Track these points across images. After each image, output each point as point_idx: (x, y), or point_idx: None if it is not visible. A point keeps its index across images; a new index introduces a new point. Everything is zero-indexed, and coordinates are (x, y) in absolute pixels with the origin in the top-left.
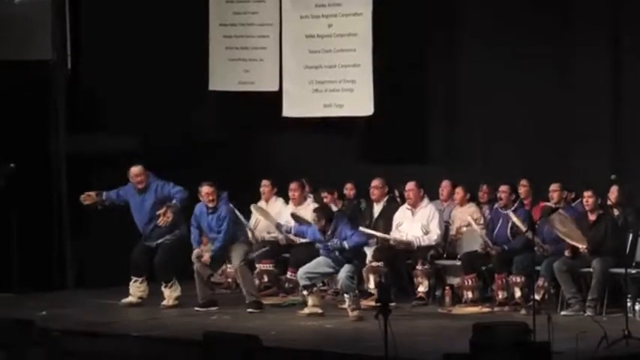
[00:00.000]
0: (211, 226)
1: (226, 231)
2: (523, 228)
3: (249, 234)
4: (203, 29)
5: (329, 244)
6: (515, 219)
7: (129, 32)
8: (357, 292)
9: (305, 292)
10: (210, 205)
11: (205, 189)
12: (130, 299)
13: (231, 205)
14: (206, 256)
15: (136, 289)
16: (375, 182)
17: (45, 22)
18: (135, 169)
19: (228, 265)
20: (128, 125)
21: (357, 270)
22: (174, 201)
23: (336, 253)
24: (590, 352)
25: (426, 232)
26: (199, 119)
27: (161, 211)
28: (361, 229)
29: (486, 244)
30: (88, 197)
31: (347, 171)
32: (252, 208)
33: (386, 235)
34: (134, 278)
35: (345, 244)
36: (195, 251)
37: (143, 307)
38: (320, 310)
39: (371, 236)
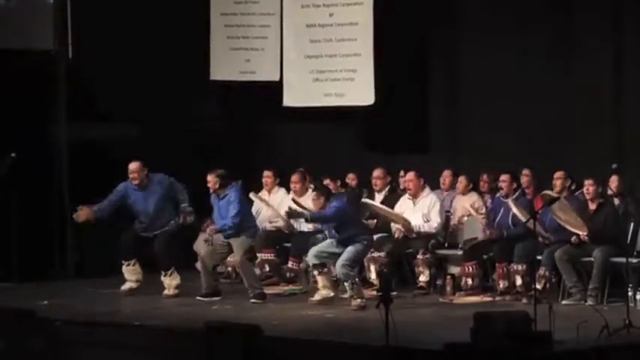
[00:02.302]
0: (221, 213)
1: (235, 214)
2: (523, 218)
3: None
4: (204, 18)
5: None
6: (514, 209)
7: (130, 22)
8: (357, 279)
9: (315, 272)
10: (218, 192)
11: (208, 177)
12: (128, 285)
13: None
14: (212, 230)
15: (130, 272)
16: (377, 172)
17: (46, 11)
18: (131, 166)
19: (230, 255)
20: (129, 114)
21: (360, 252)
22: (183, 205)
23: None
24: (591, 342)
25: (427, 221)
26: (200, 109)
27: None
28: (364, 200)
29: (486, 227)
30: (82, 213)
31: (348, 161)
32: (252, 196)
33: (386, 208)
34: (124, 262)
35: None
36: (201, 236)
37: (144, 297)
38: (331, 293)
39: (372, 209)
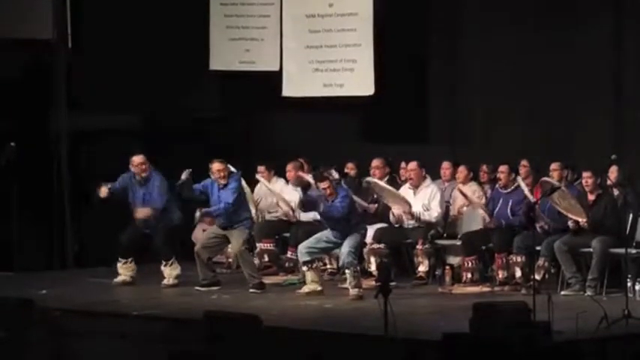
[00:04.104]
0: (221, 199)
1: (233, 201)
2: (531, 197)
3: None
4: (204, 8)
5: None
6: (523, 186)
7: (130, 11)
8: (358, 268)
9: (304, 268)
10: (222, 181)
11: (216, 165)
12: (122, 278)
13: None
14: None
15: (125, 269)
16: (376, 162)
17: (46, 1)
18: (138, 158)
19: (228, 245)
20: (128, 104)
21: (360, 241)
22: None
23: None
24: (590, 332)
25: (427, 210)
26: (200, 98)
27: (144, 212)
28: (368, 179)
29: (486, 214)
30: (103, 191)
31: (348, 151)
32: (259, 176)
33: (392, 188)
34: (122, 260)
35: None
36: (200, 226)
37: (143, 287)
38: (319, 287)
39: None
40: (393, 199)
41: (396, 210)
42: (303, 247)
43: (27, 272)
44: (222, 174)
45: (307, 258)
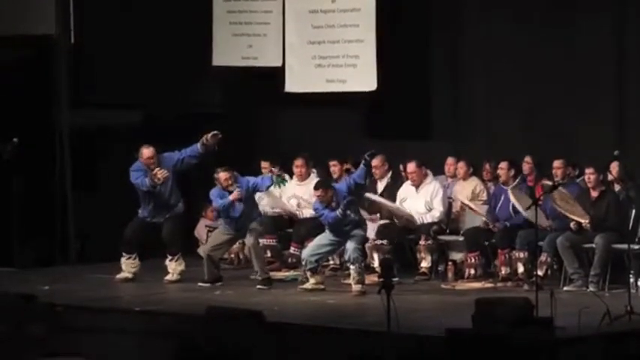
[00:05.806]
0: (234, 207)
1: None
2: (522, 209)
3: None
4: (207, 4)
5: (338, 213)
6: (513, 199)
7: (132, 7)
8: (363, 265)
9: (309, 274)
10: (230, 189)
11: (223, 175)
12: (124, 275)
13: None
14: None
15: (129, 265)
16: (375, 162)
17: None
18: (147, 151)
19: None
20: (131, 100)
21: (364, 236)
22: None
23: (347, 215)
24: (592, 328)
25: (430, 209)
26: (202, 94)
27: (157, 171)
28: (367, 195)
29: (487, 223)
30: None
31: (349, 147)
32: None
33: (390, 203)
34: (126, 255)
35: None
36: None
37: (145, 283)
38: (322, 287)
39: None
40: (393, 212)
41: (398, 220)
42: (308, 254)
43: (29, 268)
44: (229, 182)
45: (315, 265)
